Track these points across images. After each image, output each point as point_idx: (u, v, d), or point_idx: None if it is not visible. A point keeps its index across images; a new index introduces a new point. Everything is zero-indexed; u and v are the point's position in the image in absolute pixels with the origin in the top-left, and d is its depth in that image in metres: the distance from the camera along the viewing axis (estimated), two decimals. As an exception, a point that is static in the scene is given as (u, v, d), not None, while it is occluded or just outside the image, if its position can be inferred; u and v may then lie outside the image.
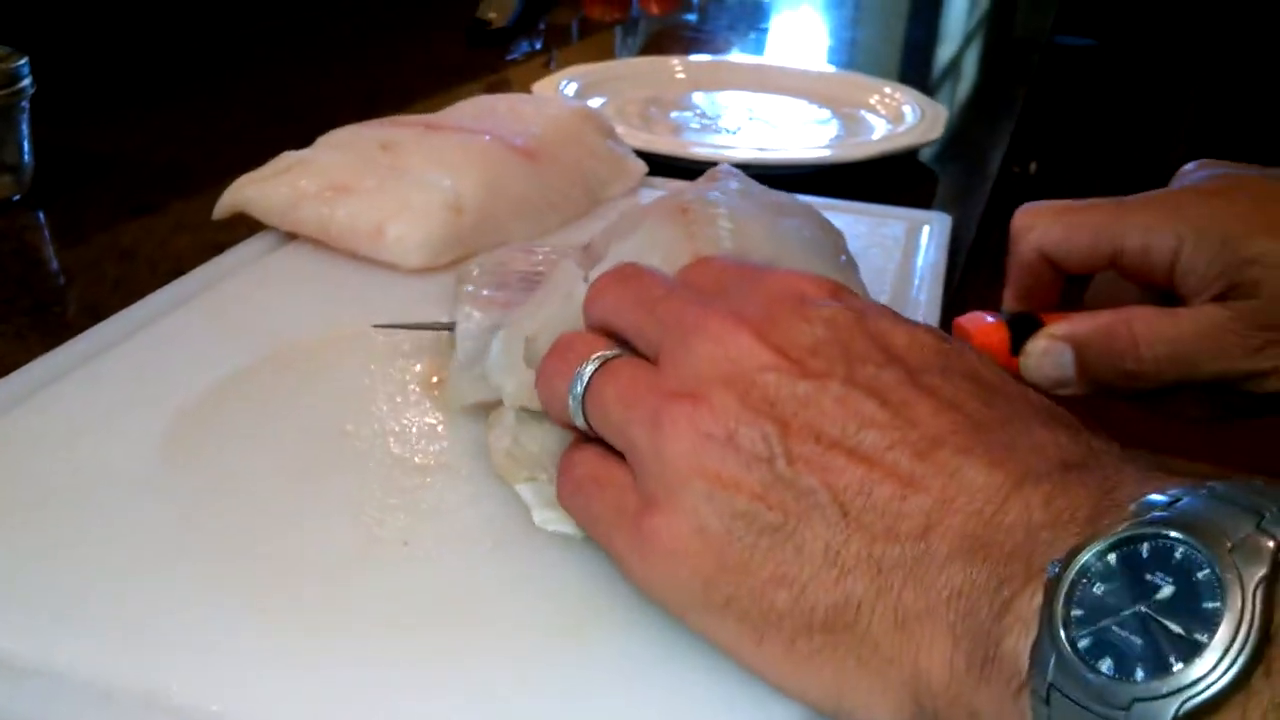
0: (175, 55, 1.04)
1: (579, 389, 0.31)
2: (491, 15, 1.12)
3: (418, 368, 0.43)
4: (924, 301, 0.49)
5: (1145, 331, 0.40)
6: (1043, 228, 0.42)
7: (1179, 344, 0.39)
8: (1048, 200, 0.43)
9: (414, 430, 0.38)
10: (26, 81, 0.64)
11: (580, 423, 0.31)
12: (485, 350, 0.39)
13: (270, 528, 0.33)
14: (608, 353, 0.31)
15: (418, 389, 0.41)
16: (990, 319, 0.42)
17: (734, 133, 0.82)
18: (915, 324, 0.30)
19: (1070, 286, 0.44)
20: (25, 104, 0.64)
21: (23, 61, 0.64)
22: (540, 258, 0.46)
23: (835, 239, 0.43)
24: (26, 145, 0.65)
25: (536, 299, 0.39)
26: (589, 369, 0.31)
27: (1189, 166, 0.45)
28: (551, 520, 0.33)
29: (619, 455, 0.30)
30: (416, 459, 0.37)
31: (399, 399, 0.41)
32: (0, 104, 0.62)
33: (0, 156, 0.64)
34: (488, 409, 0.38)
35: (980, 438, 0.26)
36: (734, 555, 0.27)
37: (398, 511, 0.34)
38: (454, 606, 0.30)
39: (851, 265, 0.42)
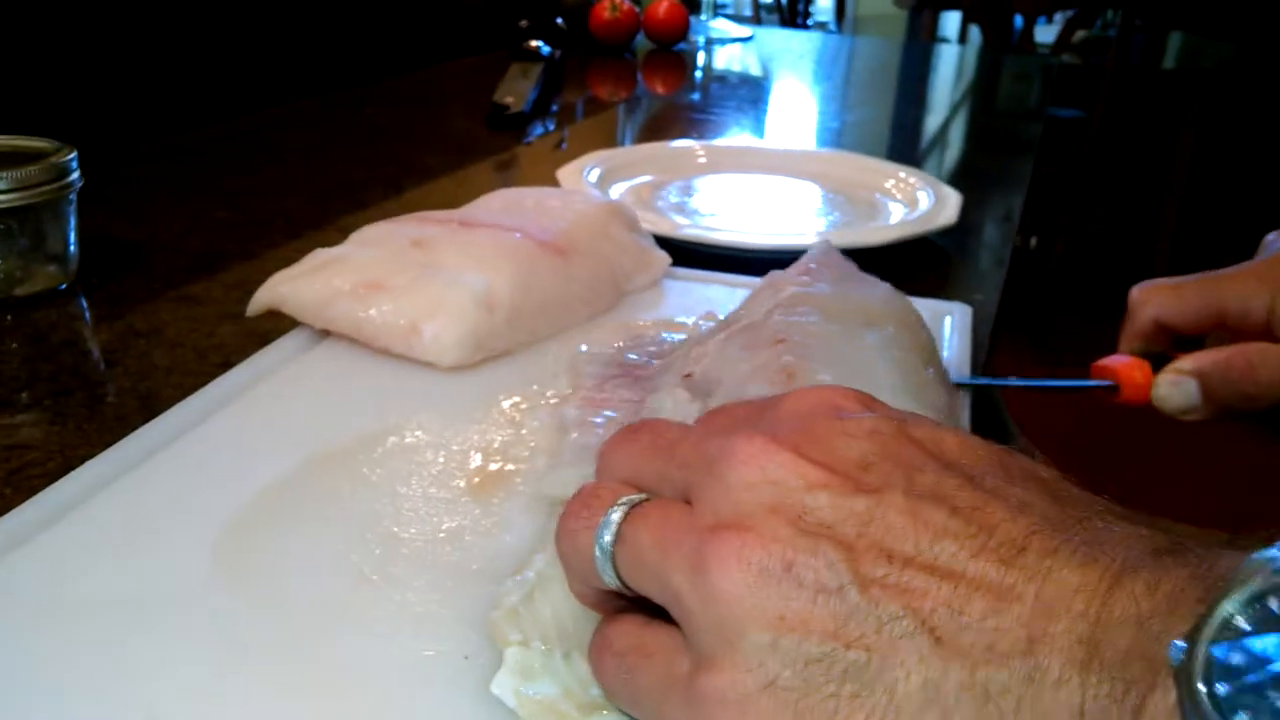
0: (201, 140, 1.07)
1: (607, 539, 0.28)
2: (509, 100, 1.15)
3: (459, 470, 0.43)
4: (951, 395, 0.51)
5: (1260, 359, 0.48)
6: (1157, 301, 0.51)
7: None
8: (1156, 279, 0.53)
9: (467, 534, 0.39)
10: (75, 175, 0.66)
11: (610, 578, 0.28)
12: None
13: (324, 643, 0.33)
14: (635, 496, 0.29)
15: (461, 490, 0.42)
16: (1127, 359, 0.50)
17: (751, 218, 0.85)
18: (958, 429, 0.29)
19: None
20: (73, 196, 0.67)
21: (72, 156, 0.66)
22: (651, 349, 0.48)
23: (924, 346, 0.45)
24: (73, 236, 0.68)
25: None
26: (616, 515, 0.28)
27: (1271, 237, 0.54)
28: (507, 689, 0.31)
29: (664, 619, 0.27)
30: (474, 566, 0.37)
31: (445, 504, 0.41)
32: (51, 198, 0.64)
33: (47, 247, 0.66)
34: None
35: (1063, 536, 0.24)
36: (814, 710, 0.23)
37: (456, 623, 0.34)
38: None
39: (940, 380, 0.43)
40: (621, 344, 0.53)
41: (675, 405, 0.41)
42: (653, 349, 0.52)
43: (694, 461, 0.28)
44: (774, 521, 0.25)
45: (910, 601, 0.23)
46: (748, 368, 0.41)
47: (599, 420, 0.45)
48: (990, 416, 0.79)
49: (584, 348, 0.52)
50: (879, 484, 0.25)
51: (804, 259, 0.51)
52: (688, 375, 0.43)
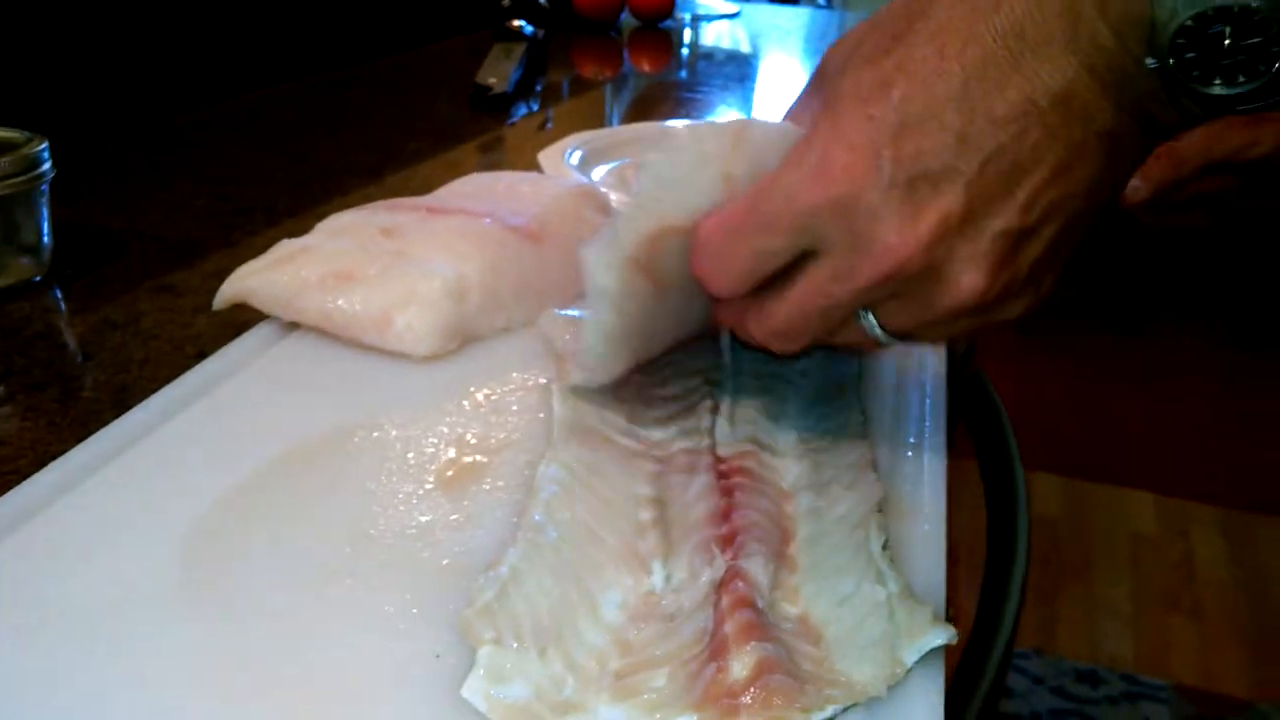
0: (180, 126, 1.06)
1: None
2: (491, 81, 1.14)
3: (432, 462, 0.43)
4: (931, 371, 0.50)
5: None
6: None
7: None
8: None
9: (438, 530, 0.39)
10: (46, 165, 0.65)
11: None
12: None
13: (295, 648, 0.33)
14: None
15: (433, 484, 0.42)
16: None
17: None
18: None
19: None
20: (45, 187, 0.66)
21: (43, 146, 0.65)
22: None
23: None
24: (46, 227, 0.67)
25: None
26: None
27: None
28: (478, 693, 0.31)
29: None
30: (444, 561, 0.37)
31: (416, 498, 0.41)
32: (22, 189, 0.64)
33: (20, 239, 0.65)
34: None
35: None
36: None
37: (425, 622, 0.34)
38: None
39: None
40: None
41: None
42: None
43: None
44: None
45: None
46: None
47: None
48: (978, 398, 0.79)
49: (555, 310, 0.52)
50: None
51: None
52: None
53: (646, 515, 0.38)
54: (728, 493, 0.39)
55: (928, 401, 0.48)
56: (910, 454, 0.44)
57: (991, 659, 0.57)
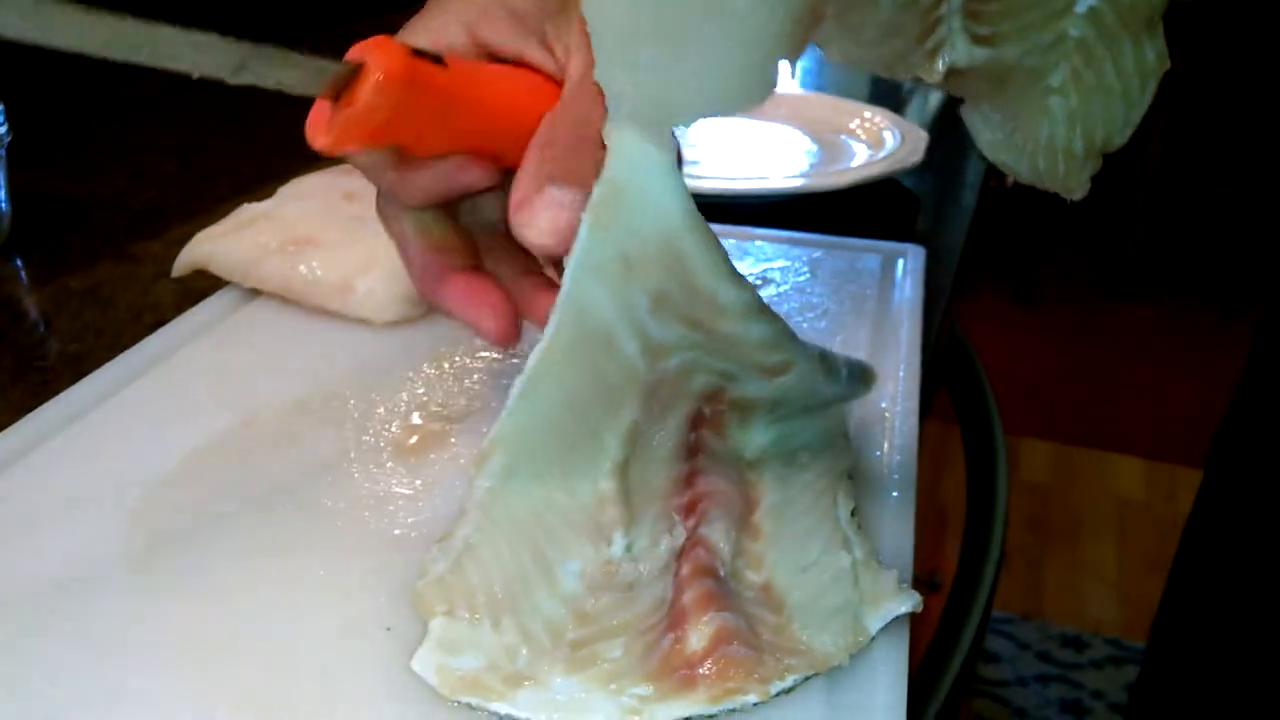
0: (146, 93, 1.04)
1: None
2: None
3: (391, 431, 0.42)
4: (905, 339, 0.49)
5: None
6: None
7: None
8: None
9: (395, 499, 0.38)
10: (2, 129, 0.64)
11: None
12: None
13: (247, 620, 0.32)
14: None
15: (391, 453, 0.41)
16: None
17: (703, 161, 0.82)
18: None
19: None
20: (2, 152, 0.64)
21: (-1, 109, 0.64)
22: None
23: None
24: (3, 193, 0.65)
25: None
26: None
27: None
28: (428, 665, 0.30)
29: None
30: (395, 531, 0.36)
31: (373, 467, 0.40)
32: (-24, 153, 0.62)
33: (-26, 206, 0.64)
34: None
35: None
36: None
37: (378, 593, 0.33)
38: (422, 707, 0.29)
39: None
40: None
41: None
42: None
43: None
44: None
45: None
46: None
47: None
48: (959, 363, 0.78)
49: None
50: None
51: None
52: None
53: (608, 484, 0.37)
54: (692, 456, 0.38)
55: (901, 366, 0.47)
56: (883, 421, 0.43)
57: (970, 621, 0.57)
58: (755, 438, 0.40)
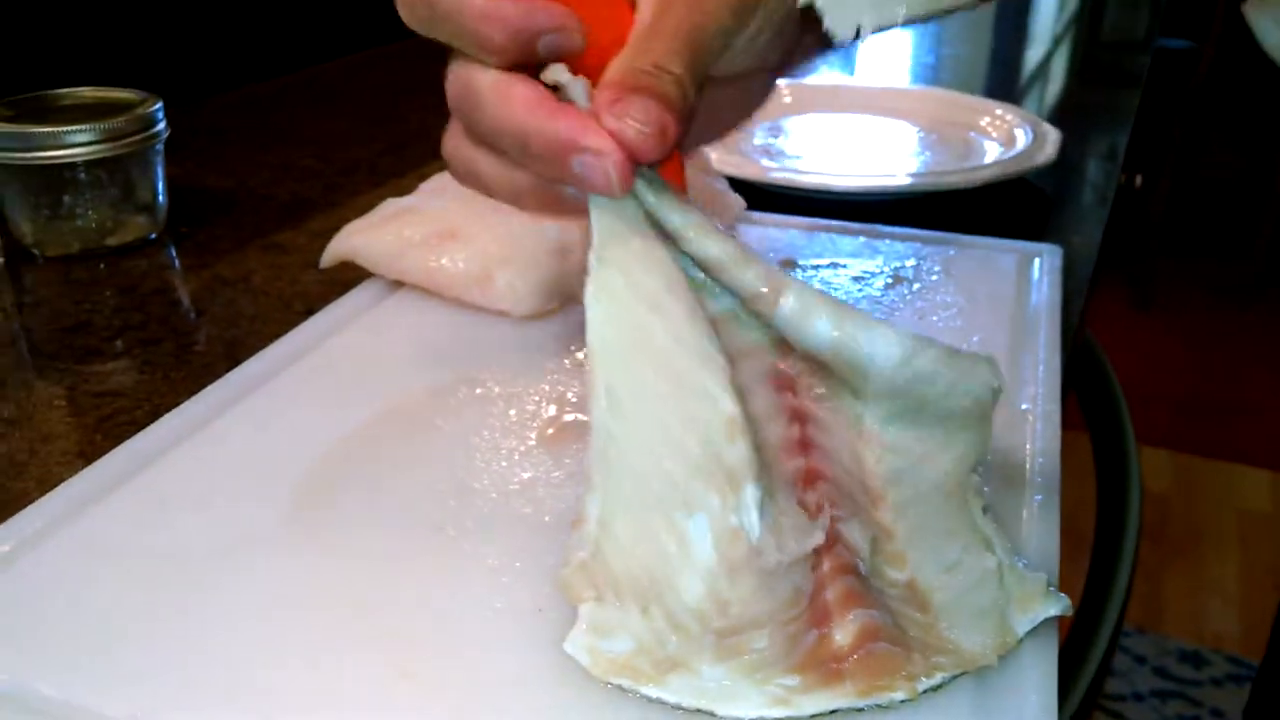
0: (281, 88, 1.08)
1: None
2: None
3: (532, 421, 0.43)
4: (1044, 341, 0.48)
5: None
6: None
7: None
8: None
9: (539, 487, 0.39)
10: (161, 125, 0.67)
11: None
12: None
13: (398, 597, 0.33)
14: None
15: (534, 442, 0.42)
16: None
17: (839, 159, 0.82)
18: None
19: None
20: (160, 147, 0.68)
21: (158, 106, 0.67)
22: None
23: None
24: (161, 186, 0.69)
25: None
26: None
27: None
28: (580, 647, 0.31)
29: None
30: (545, 518, 0.37)
31: (518, 455, 0.41)
32: (137, 148, 0.65)
33: (136, 197, 0.67)
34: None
35: None
36: None
37: (527, 576, 0.34)
38: (572, 693, 0.30)
39: None
40: None
41: None
42: None
43: None
44: None
45: None
46: None
47: None
48: (1090, 368, 0.76)
49: None
50: None
51: None
52: None
53: (729, 407, 0.31)
54: (793, 421, 0.35)
55: (1041, 368, 0.46)
56: (1026, 423, 0.42)
57: (1099, 637, 0.56)
58: (855, 413, 0.36)
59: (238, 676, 0.30)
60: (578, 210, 0.35)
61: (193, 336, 0.57)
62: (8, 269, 0.65)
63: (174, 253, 0.68)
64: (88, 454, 0.44)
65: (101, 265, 0.65)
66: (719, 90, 0.36)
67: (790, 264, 0.58)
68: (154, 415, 0.45)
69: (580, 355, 0.48)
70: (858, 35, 0.36)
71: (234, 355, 0.52)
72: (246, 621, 0.32)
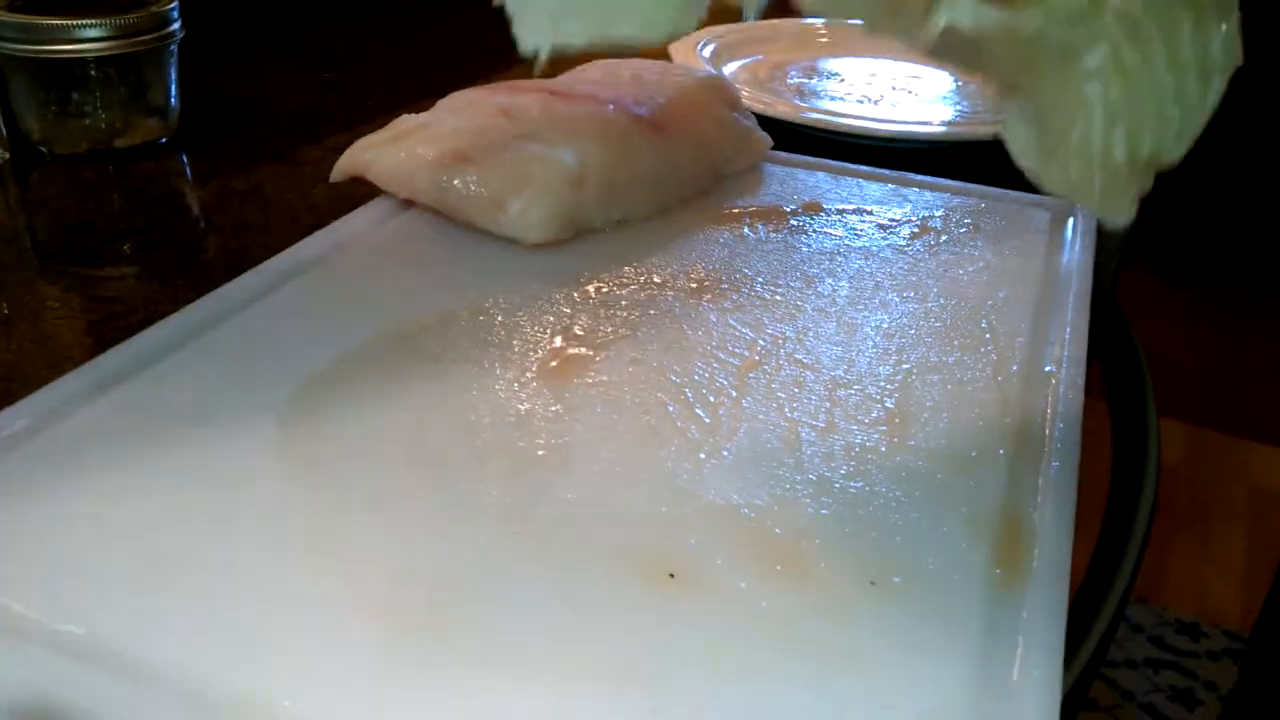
0: (304, 5, 1.05)
1: None
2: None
3: (535, 352, 0.42)
4: (1073, 303, 0.46)
5: None
6: None
7: None
8: None
9: (537, 419, 0.37)
10: (176, 25, 0.65)
11: None
12: None
13: (385, 529, 0.32)
14: None
15: (535, 374, 0.40)
16: None
17: (875, 102, 0.79)
18: None
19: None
20: (174, 48, 0.66)
21: (173, 5, 0.65)
22: None
23: None
24: (174, 89, 0.67)
25: None
26: None
27: None
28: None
29: None
30: (539, 452, 0.36)
31: (517, 386, 0.39)
32: (150, 47, 0.64)
33: (148, 99, 0.65)
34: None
35: None
36: None
37: (514, 511, 0.33)
38: (570, 616, 0.29)
39: None
40: None
41: None
42: None
43: None
44: None
45: None
46: None
47: None
48: (1118, 339, 0.74)
49: None
50: None
51: None
52: None
53: None
54: None
55: (1068, 329, 0.44)
56: (1048, 386, 0.41)
57: (1103, 613, 0.55)
58: None
59: (215, 604, 0.29)
60: None
61: (197, 245, 0.56)
62: (14, 166, 0.63)
63: (185, 159, 0.66)
64: (77, 358, 0.42)
65: (110, 167, 0.64)
66: None
67: (815, 207, 0.56)
68: (148, 323, 0.43)
69: (589, 286, 0.47)
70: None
71: (238, 266, 0.51)
72: (227, 548, 0.31)
